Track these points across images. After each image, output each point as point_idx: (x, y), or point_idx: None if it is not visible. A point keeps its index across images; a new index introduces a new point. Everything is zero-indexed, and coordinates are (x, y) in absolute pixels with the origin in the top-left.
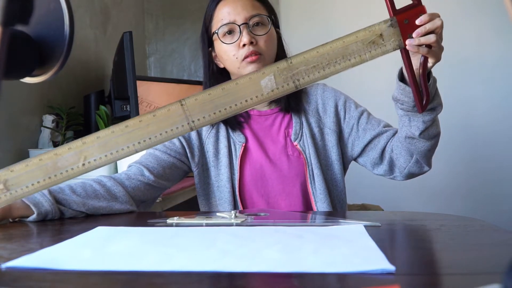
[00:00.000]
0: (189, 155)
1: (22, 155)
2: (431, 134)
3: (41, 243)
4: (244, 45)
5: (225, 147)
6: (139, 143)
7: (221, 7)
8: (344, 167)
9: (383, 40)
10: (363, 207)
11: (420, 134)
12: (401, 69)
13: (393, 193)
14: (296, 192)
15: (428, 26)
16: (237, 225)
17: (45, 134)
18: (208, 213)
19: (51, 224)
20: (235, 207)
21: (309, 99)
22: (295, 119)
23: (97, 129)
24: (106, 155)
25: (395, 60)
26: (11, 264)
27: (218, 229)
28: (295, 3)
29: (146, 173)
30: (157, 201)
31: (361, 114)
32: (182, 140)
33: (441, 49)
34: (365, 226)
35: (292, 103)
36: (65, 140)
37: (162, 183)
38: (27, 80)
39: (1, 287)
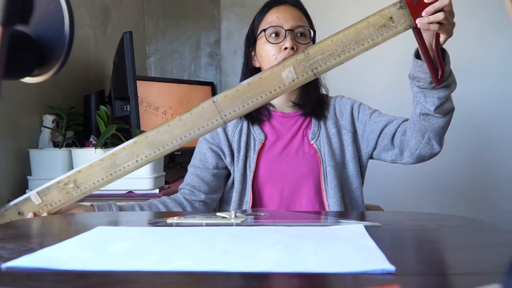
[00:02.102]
0: (223, 158)
1: (22, 155)
2: (445, 109)
3: (41, 243)
4: (285, 48)
5: (244, 142)
6: (180, 138)
7: (273, 13)
8: (362, 165)
9: (393, 23)
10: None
11: (436, 109)
12: (417, 49)
13: (393, 193)
14: (309, 188)
15: (437, 5)
16: (237, 225)
17: (45, 134)
18: (208, 213)
19: (51, 224)
20: (246, 198)
21: (329, 108)
22: (314, 121)
23: (97, 129)
24: (154, 151)
25: (397, 60)
26: (11, 264)
27: (218, 229)
28: None
29: (197, 193)
30: None
31: (374, 111)
32: (214, 148)
33: (452, 24)
34: (365, 226)
35: (317, 109)
36: (65, 140)
37: (212, 197)
38: (27, 80)
39: (1, 287)
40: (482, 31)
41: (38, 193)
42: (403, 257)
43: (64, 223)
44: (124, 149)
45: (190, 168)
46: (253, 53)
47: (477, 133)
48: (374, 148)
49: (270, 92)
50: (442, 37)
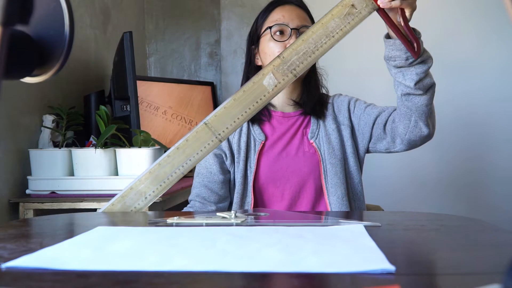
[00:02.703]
0: (225, 160)
1: (22, 155)
2: (426, 84)
3: (41, 243)
4: None
5: (244, 142)
6: (182, 166)
7: (278, 11)
8: (359, 160)
9: (356, 9)
10: None
11: (416, 84)
12: (387, 32)
13: (393, 193)
14: (310, 187)
15: None
16: (237, 225)
17: (45, 134)
18: (208, 213)
19: (51, 224)
20: (247, 199)
21: (328, 106)
22: (313, 120)
23: (97, 129)
24: (160, 185)
25: None
26: (11, 264)
27: (218, 229)
28: None
29: (208, 204)
30: (157, 201)
31: (368, 105)
32: (217, 151)
33: None
34: (365, 226)
35: (317, 108)
36: (65, 140)
37: (223, 206)
38: (27, 80)
39: (1, 287)
40: (482, 31)
41: None
42: (403, 257)
43: (64, 223)
44: (132, 189)
45: (197, 178)
46: (255, 51)
47: (477, 133)
48: (370, 140)
49: (257, 102)
50: (407, 12)
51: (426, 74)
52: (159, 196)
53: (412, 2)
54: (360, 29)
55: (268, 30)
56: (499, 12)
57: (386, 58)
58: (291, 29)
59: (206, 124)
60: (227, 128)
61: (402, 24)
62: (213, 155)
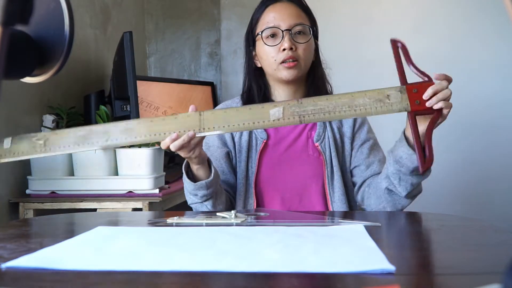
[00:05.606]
0: (233, 161)
1: None
2: (414, 194)
3: (41, 243)
4: (284, 49)
5: (246, 142)
6: (155, 135)
7: (269, 12)
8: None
9: (389, 100)
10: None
11: (406, 195)
12: (404, 131)
13: None
14: (312, 191)
15: (438, 90)
16: (237, 225)
17: None
18: (208, 213)
19: (51, 224)
20: (249, 201)
21: None
22: (319, 123)
23: None
24: (126, 138)
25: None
26: (11, 264)
27: (218, 229)
28: None
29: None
30: (157, 201)
31: (368, 140)
32: (227, 150)
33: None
34: (365, 226)
35: None
36: None
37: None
38: (27, 80)
39: (1, 287)
40: (482, 31)
41: (12, 139)
42: (403, 257)
43: (64, 223)
44: (103, 127)
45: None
46: (254, 53)
47: (478, 133)
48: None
49: (253, 123)
50: (438, 121)
51: (420, 184)
52: (118, 147)
53: (446, 115)
54: (360, 30)
55: (260, 34)
56: (503, 13)
57: (395, 159)
58: (282, 31)
59: (200, 115)
60: (213, 127)
61: (426, 132)
62: (224, 154)
